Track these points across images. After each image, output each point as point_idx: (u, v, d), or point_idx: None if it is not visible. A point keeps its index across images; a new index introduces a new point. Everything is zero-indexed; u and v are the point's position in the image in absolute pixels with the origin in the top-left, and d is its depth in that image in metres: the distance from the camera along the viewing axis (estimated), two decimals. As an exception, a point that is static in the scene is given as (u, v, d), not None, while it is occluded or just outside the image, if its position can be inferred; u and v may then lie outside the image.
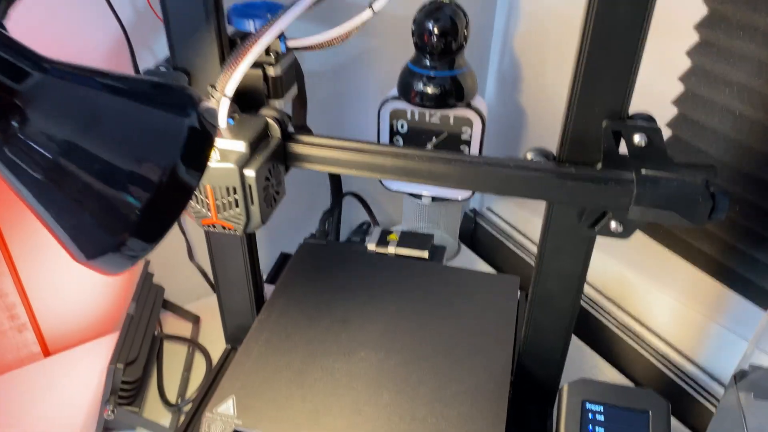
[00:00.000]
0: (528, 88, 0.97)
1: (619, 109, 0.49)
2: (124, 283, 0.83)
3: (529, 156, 0.54)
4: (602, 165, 0.51)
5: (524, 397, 0.68)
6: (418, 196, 0.94)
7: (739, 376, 0.62)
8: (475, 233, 1.09)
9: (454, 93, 0.81)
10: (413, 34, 0.79)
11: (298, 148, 0.55)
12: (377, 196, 1.02)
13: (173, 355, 0.82)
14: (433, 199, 0.94)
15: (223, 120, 0.51)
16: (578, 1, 0.47)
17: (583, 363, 0.83)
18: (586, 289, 0.92)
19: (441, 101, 0.81)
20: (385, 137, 0.89)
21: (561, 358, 0.65)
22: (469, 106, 0.83)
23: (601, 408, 0.62)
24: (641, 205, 0.49)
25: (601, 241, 0.56)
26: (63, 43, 0.66)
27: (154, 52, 0.72)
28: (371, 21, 0.85)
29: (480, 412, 0.58)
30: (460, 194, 0.90)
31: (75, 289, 0.81)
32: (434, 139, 0.88)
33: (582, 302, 0.91)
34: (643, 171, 0.50)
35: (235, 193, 0.50)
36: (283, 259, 0.87)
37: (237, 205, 0.51)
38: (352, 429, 0.57)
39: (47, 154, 0.35)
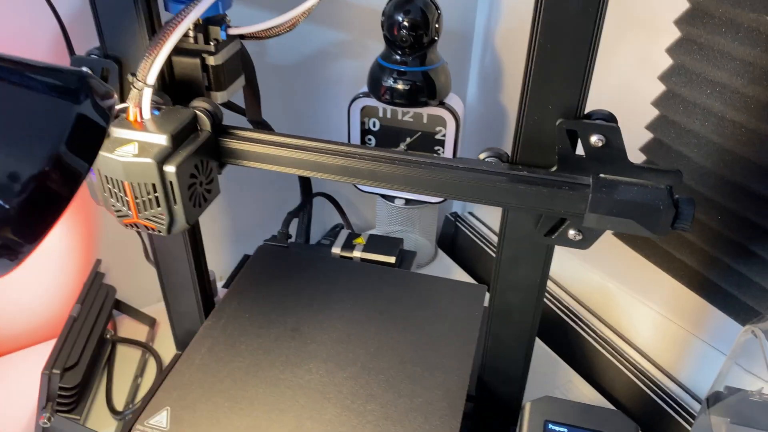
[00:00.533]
0: (510, 86, 0.92)
1: (575, 107, 0.44)
2: (77, 284, 0.79)
3: (482, 157, 0.49)
4: (557, 168, 0.47)
5: (486, 414, 0.64)
6: (391, 198, 0.90)
7: (713, 399, 0.57)
8: (455, 238, 1.05)
9: (426, 90, 0.77)
10: (383, 27, 0.75)
11: (231, 144, 0.51)
12: (351, 198, 0.98)
13: (127, 360, 0.78)
14: (408, 201, 0.90)
15: (146, 111, 0.47)
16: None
17: (557, 378, 0.79)
18: (566, 299, 0.87)
19: (412, 98, 0.77)
20: (355, 135, 0.85)
21: (523, 374, 0.60)
22: (443, 104, 0.79)
23: (564, 429, 0.58)
24: (597, 212, 0.45)
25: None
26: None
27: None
28: (348, 13, 0.81)
29: (430, 431, 0.54)
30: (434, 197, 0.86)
31: (24, 289, 0.77)
32: (408, 139, 0.84)
33: (560, 313, 0.86)
34: (601, 175, 0.46)
35: (155, 190, 0.46)
36: (246, 261, 0.83)
37: (158, 204, 0.47)
38: (290, 446, 0.53)
39: None
